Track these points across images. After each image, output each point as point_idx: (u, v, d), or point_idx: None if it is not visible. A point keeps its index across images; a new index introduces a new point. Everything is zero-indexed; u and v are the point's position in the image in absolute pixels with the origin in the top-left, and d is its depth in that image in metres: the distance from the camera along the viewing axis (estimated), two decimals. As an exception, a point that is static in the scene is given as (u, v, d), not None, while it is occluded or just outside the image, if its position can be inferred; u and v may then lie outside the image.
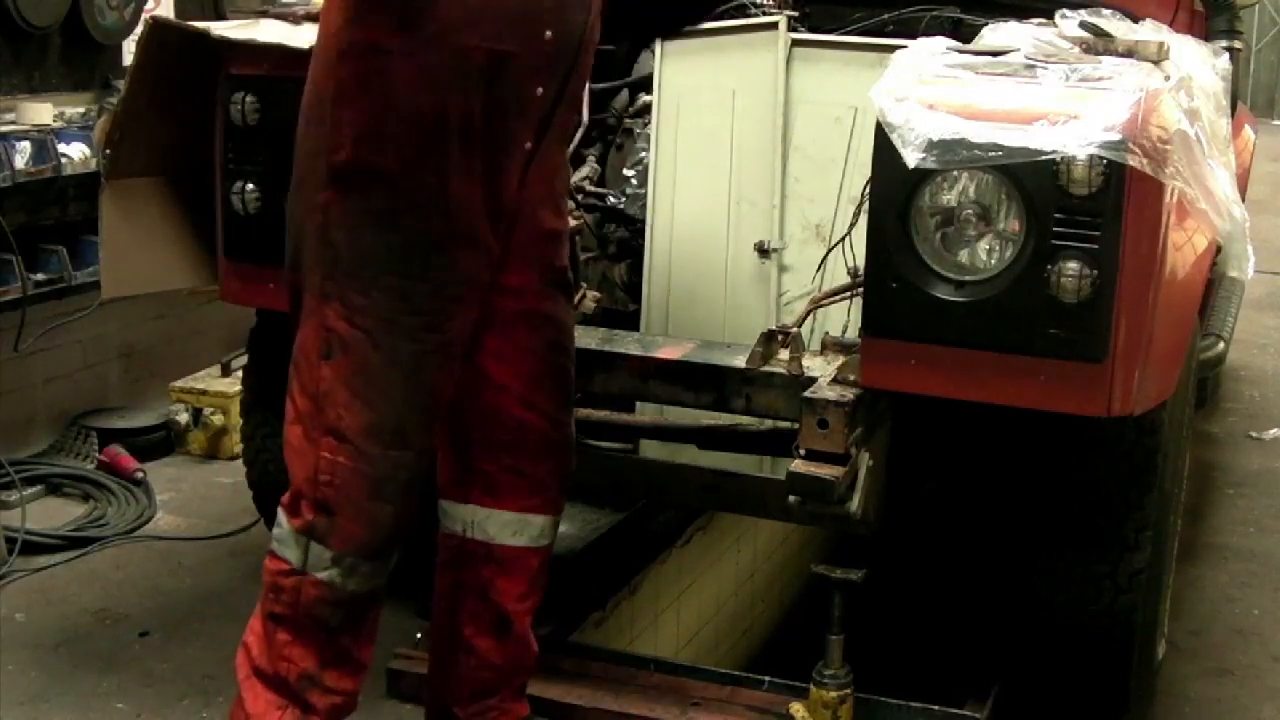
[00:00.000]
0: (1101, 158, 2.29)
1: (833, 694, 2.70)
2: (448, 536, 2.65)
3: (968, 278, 2.42)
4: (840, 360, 2.63)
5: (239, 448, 3.83)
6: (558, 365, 2.60)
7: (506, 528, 2.61)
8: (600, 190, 3.27)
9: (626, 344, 2.84)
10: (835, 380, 2.54)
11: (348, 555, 2.37)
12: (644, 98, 3.27)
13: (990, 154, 2.32)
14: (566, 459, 2.65)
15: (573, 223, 2.92)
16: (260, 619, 2.45)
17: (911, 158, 2.34)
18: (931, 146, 2.33)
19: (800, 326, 2.75)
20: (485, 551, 2.62)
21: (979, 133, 2.32)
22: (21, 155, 4.10)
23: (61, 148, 4.21)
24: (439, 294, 2.37)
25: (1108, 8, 2.93)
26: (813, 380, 2.57)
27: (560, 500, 2.67)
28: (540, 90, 2.41)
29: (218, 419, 4.58)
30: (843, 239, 2.81)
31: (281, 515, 2.43)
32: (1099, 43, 2.60)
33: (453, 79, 2.31)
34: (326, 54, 2.37)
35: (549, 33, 2.38)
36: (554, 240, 2.60)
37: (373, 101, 2.32)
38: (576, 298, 2.89)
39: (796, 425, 2.50)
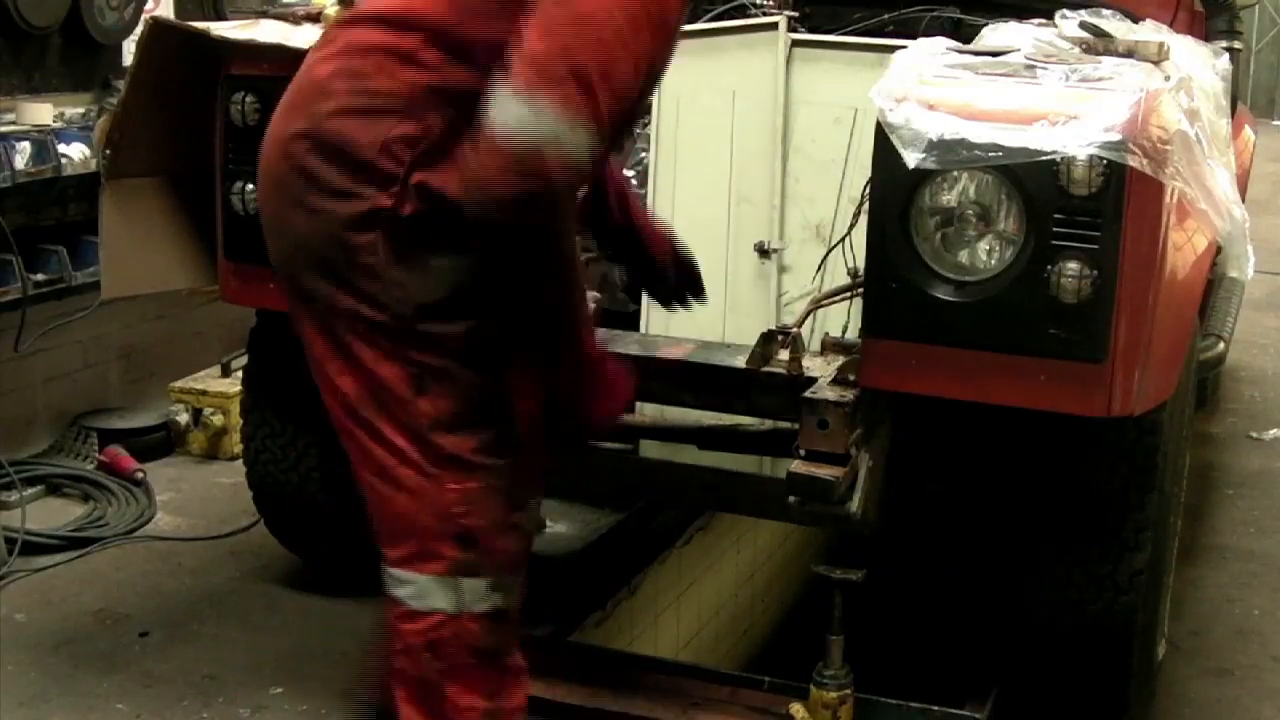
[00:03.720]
0: (1101, 158, 2.29)
1: (833, 694, 2.70)
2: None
3: (968, 278, 2.42)
4: (840, 360, 2.62)
5: (239, 448, 3.83)
6: None
7: None
8: (600, 190, 3.26)
9: (627, 344, 2.84)
10: (835, 380, 2.54)
11: (504, 575, 2.27)
12: (644, 97, 3.27)
13: (990, 154, 2.32)
14: None
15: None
16: (411, 694, 2.27)
17: (911, 158, 2.34)
18: (931, 147, 2.33)
19: (800, 327, 2.75)
20: None
21: (979, 133, 2.32)
22: (21, 155, 4.10)
23: (61, 148, 4.21)
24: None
25: (1108, 8, 2.93)
26: (813, 380, 2.57)
27: None
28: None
29: (218, 419, 4.58)
30: (843, 239, 2.81)
31: (404, 572, 2.25)
32: (1099, 43, 2.60)
33: None
34: (384, 96, 2.16)
35: None
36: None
37: (429, 127, 2.15)
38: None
39: (796, 425, 2.50)
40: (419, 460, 2.22)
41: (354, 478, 2.33)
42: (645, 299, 3.12)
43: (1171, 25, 3.16)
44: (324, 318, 2.24)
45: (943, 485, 2.86)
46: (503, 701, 2.32)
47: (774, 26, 3.03)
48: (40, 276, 4.23)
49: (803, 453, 2.47)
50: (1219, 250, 2.94)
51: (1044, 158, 2.31)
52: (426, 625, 2.25)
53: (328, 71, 2.21)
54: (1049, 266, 2.34)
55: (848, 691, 2.72)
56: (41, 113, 4.24)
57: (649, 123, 3.17)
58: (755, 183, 3.03)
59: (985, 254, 2.44)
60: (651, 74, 2.22)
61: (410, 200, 2.15)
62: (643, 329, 3.11)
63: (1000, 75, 2.47)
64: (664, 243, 2.73)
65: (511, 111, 2.04)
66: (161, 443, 4.62)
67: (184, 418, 4.63)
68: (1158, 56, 2.56)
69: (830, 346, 2.75)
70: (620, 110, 2.12)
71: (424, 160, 2.15)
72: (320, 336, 2.26)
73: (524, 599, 2.35)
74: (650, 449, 3.11)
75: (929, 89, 2.42)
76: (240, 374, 3.74)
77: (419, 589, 2.25)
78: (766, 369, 2.67)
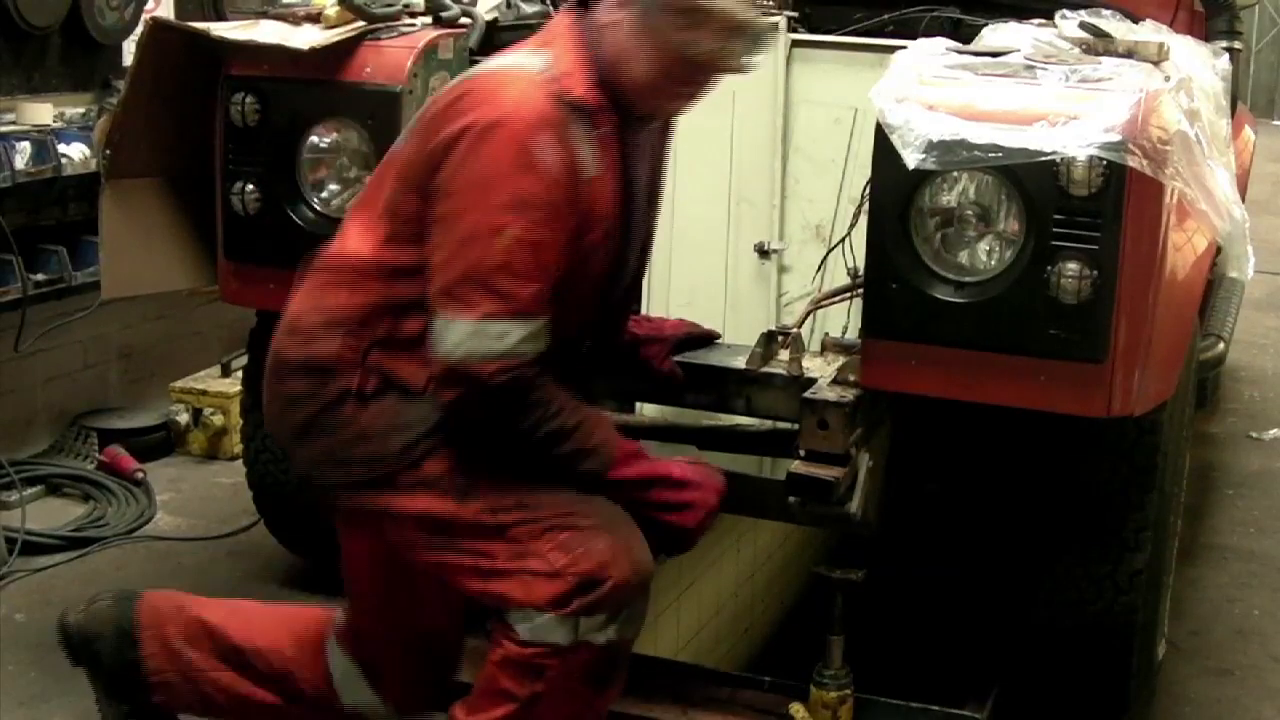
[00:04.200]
0: (1101, 158, 2.29)
1: (833, 694, 2.70)
2: None
3: (968, 278, 2.42)
4: (840, 361, 2.63)
5: (239, 448, 3.83)
6: None
7: None
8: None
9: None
10: (835, 381, 2.54)
11: (624, 609, 2.27)
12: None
13: (990, 155, 2.32)
14: None
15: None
16: (495, 701, 2.30)
17: (911, 159, 2.35)
18: (931, 147, 2.33)
19: (800, 327, 2.75)
20: None
21: (979, 133, 2.32)
22: (21, 155, 4.10)
23: (61, 148, 4.21)
24: None
25: (1108, 8, 2.93)
26: (813, 381, 2.57)
27: None
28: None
29: (218, 419, 4.58)
30: (843, 239, 2.81)
31: (529, 610, 2.25)
32: (1099, 43, 2.60)
33: None
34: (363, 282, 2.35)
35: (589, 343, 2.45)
36: None
37: (377, 334, 2.32)
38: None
39: (796, 426, 2.50)
40: (505, 549, 2.27)
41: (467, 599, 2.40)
42: (645, 298, 3.12)
43: (1171, 25, 3.16)
44: (355, 500, 2.36)
45: (943, 485, 2.86)
46: (589, 716, 2.35)
47: (774, 26, 3.03)
48: (40, 276, 4.23)
49: (803, 453, 2.47)
50: (1219, 250, 2.94)
51: (1044, 158, 2.31)
52: (534, 653, 2.26)
53: (298, 306, 2.41)
54: (1049, 267, 2.35)
55: (848, 691, 2.71)
56: (41, 113, 4.24)
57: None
58: (755, 183, 3.03)
59: (985, 254, 2.44)
60: (580, 243, 2.28)
61: (371, 379, 2.30)
62: (643, 329, 3.10)
63: (1000, 76, 2.47)
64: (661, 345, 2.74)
65: (435, 330, 2.21)
66: (161, 443, 4.62)
67: (184, 418, 4.63)
68: (1158, 56, 2.56)
69: (830, 346, 2.75)
70: (550, 286, 2.22)
71: (377, 346, 2.31)
72: (362, 516, 2.39)
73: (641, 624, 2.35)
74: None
75: (929, 89, 2.42)
76: (240, 374, 3.74)
77: (536, 625, 2.25)
78: (766, 369, 2.67)
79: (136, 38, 3.98)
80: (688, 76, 2.28)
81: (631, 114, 2.32)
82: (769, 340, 2.70)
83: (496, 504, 2.28)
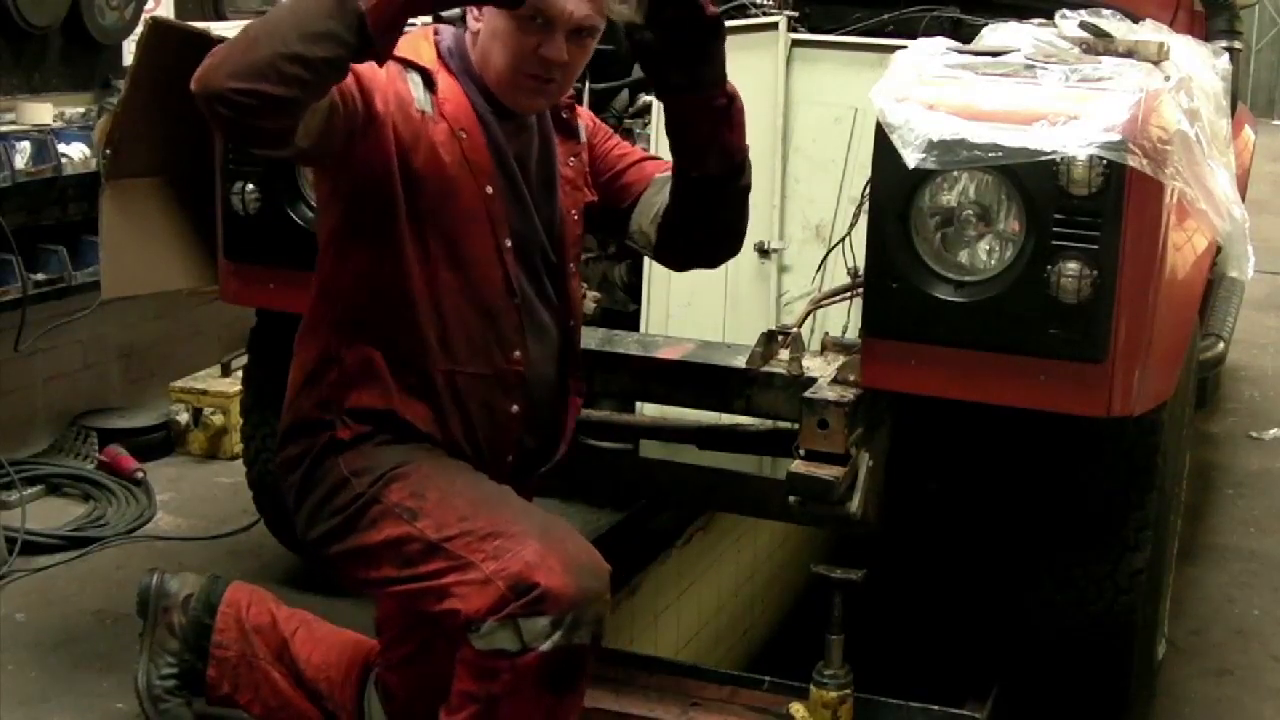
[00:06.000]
0: (1101, 158, 2.29)
1: (833, 694, 2.70)
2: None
3: (968, 278, 2.42)
4: (840, 360, 2.63)
5: (239, 448, 3.83)
6: None
7: None
8: (600, 190, 3.26)
9: (626, 344, 2.84)
10: (835, 380, 2.54)
11: (569, 613, 2.24)
12: (644, 98, 3.27)
13: (990, 154, 2.32)
14: None
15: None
16: (463, 703, 2.33)
17: (911, 158, 2.34)
18: (931, 147, 2.33)
19: (800, 327, 2.75)
20: None
21: (979, 133, 2.32)
22: (21, 155, 4.10)
23: (61, 148, 4.21)
24: None
25: (1108, 8, 2.93)
26: (813, 380, 2.57)
27: None
28: (515, 408, 2.44)
29: (218, 419, 4.58)
30: (843, 239, 2.81)
31: (480, 627, 2.26)
32: (1099, 43, 2.60)
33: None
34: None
35: (517, 352, 2.42)
36: None
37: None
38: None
39: (796, 425, 2.50)
40: (449, 565, 2.29)
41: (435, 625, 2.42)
42: (645, 298, 3.12)
43: (1171, 25, 3.16)
44: (343, 547, 2.42)
45: (943, 486, 2.86)
46: (558, 717, 2.35)
47: (774, 26, 3.03)
48: (40, 276, 4.24)
49: (803, 453, 2.47)
50: (1219, 250, 2.95)
51: (1044, 158, 2.31)
52: (486, 657, 2.27)
53: (290, 372, 2.50)
54: (1049, 266, 2.35)
55: (848, 691, 2.71)
56: (41, 113, 4.25)
57: (649, 123, 3.17)
58: (755, 183, 3.01)
59: (985, 254, 2.44)
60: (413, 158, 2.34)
61: (347, 427, 2.39)
62: (643, 329, 3.10)
63: (1000, 75, 2.47)
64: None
65: None
66: (161, 443, 4.62)
67: (184, 418, 4.63)
68: (1158, 56, 2.56)
69: (830, 346, 2.75)
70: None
71: (338, 389, 2.39)
72: (351, 567, 2.44)
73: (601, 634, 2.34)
74: (650, 449, 3.11)
75: (929, 89, 2.42)
76: (240, 374, 3.74)
77: (482, 634, 2.26)
78: (766, 369, 2.67)
79: (136, 38, 3.98)
80: (537, 71, 2.35)
81: (505, 108, 2.42)
82: (769, 340, 2.70)
83: (441, 521, 2.31)
